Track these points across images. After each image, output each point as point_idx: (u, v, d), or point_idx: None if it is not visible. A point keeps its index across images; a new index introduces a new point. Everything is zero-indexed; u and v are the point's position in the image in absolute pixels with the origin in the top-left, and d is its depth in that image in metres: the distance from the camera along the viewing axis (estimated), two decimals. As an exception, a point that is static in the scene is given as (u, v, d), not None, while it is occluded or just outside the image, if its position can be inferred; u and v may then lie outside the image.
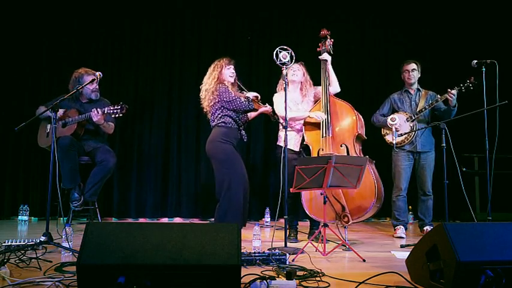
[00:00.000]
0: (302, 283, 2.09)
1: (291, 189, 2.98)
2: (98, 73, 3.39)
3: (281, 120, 3.61)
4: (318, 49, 3.85)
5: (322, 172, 2.86)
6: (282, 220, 3.24)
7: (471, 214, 3.57)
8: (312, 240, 3.13)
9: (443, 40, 5.74)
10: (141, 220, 5.10)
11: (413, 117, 4.07)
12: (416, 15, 5.77)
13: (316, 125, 3.65)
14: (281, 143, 3.74)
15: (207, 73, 3.70)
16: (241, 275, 1.85)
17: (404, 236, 4.00)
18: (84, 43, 5.21)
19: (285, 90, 3.30)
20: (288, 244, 3.20)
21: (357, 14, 5.76)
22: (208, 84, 3.64)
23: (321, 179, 2.90)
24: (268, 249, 2.79)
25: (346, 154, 3.51)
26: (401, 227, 4.06)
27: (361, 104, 4.39)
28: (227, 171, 3.47)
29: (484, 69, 3.48)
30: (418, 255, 2.14)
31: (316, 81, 3.84)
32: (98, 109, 3.82)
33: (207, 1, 5.49)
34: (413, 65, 4.21)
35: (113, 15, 5.28)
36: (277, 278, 2.13)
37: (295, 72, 3.76)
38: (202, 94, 3.67)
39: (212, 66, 3.70)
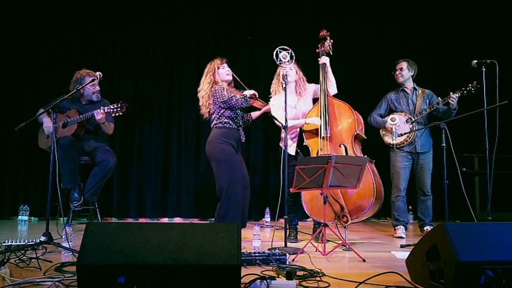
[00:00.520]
0: (302, 283, 2.09)
1: (291, 189, 2.98)
2: (98, 73, 3.39)
3: (279, 123, 3.60)
4: (317, 50, 3.85)
5: (322, 172, 2.86)
6: (282, 220, 3.24)
7: (471, 214, 3.57)
8: (312, 240, 3.13)
9: (443, 40, 5.74)
10: (141, 220, 5.10)
11: (413, 119, 4.08)
12: (417, 15, 5.77)
13: (314, 126, 3.65)
14: (282, 144, 3.75)
15: (202, 77, 3.67)
16: (241, 275, 1.85)
17: (404, 236, 4.00)
18: (84, 43, 5.21)
19: (285, 90, 3.30)
20: (288, 244, 3.20)
21: (357, 13, 5.76)
22: (203, 90, 3.62)
23: (321, 179, 2.90)
24: (268, 249, 2.78)
25: (344, 154, 3.51)
26: (402, 227, 4.06)
27: (361, 104, 4.39)
28: (226, 172, 3.47)
29: (484, 69, 3.48)
30: (418, 255, 2.14)
31: (316, 81, 3.83)
32: (101, 107, 3.84)
33: (207, 1, 5.49)
34: (402, 64, 4.22)
35: (113, 15, 5.28)
36: (277, 278, 2.13)
37: (288, 72, 3.68)
38: (200, 101, 3.66)
39: (205, 70, 3.66)
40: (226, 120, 3.56)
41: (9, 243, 2.83)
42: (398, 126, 4.02)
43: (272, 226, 4.43)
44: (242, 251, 2.37)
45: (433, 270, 2.00)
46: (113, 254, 1.78)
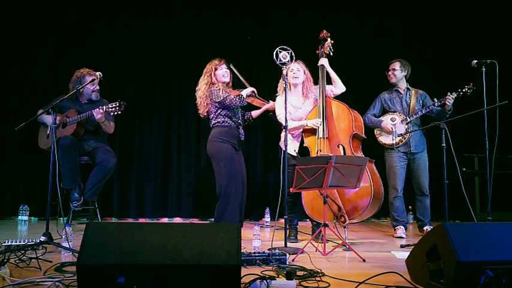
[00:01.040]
0: (302, 283, 2.09)
1: (291, 189, 2.99)
2: (98, 73, 3.40)
3: (280, 123, 3.61)
4: (317, 51, 3.85)
5: (322, 172, 2.87)
6: (282, 220, 3.24)
7: (471, 214, 3.57)
8: (312, 240, 3.14)
9: (443, 40, 5.74)
10: (141, 220, 5.09)
11: (408, 120, 4.08)
12: (417, 15, 5.77)
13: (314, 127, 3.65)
14: (282, 143, 3.76)
15: (200, 78, 3.71)
16: (241, 275, 1.85)
17: (404, 236, 4.00)
18: (84, 43, 5.20)
19: (285, 90, 3.30)
20: (288, 244, 3.20)
21: (357, 13, 5.76)
22: (201, 90, 3.67)
23: (321, 179, 2.90)
24: (268, 249, 2.78)
25: (343, 154, 3.51)
26: (401, 227, 4.06)
27: (361, 104, 4.38)
28: (225, 170, 3.50)
29: (484, 69, 3.48)
30: (418, 255, 2.14)
31: (316, 81, 3.83)
32: (100, 107, 3.84)
33: (207, 1, 5.49)
34: (394, 65, 4.23)
35: (113, 15, 5.27)
36: (277, 278, 2.13)
37: (296, 74, 3.72)
38: (197, 101, 3.70)
39: (204, 70, 3.70)
40: (224, 119, 3.60)
41: (9, 243, 2.83)
42: (397, 127, 4.03)
43: (272, 226, 4.43)
44: (242, 251, 2.37)
45: (433, 270, 2.00)
46: (113, 254, 1.78)
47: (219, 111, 3.60)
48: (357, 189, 3.05)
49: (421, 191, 4.14)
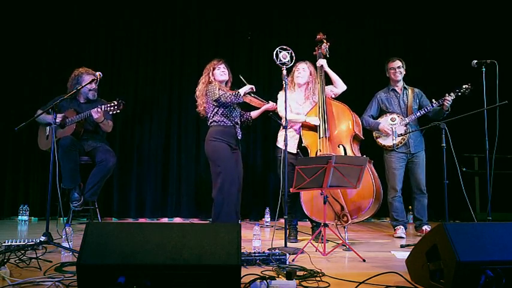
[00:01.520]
0: (302, 283, 2.09)
1: (291, 189, 2.98)
2: (98, 73, 3.39)
3: (281, 121, 3.61)
4: (314, 53, 3.87)
5: (322, 172, 2.86)
6: (282, 220, 3.24)
7: (471, 214, 3.57)
8: (312, 240, 3.13)
9: (443, 40, 5.74)
10: (141, 220, 5.10)
11: (407, 121, 4.09)
12: (417, 15, 5.77)
13: (313, 127, 3.65)
14: (279, 143, 3.76)
15: (200, 78, 3.74)
16: (241, 275, 1.85)
17: (404, 236, 4.00)
18: (84, 43, 5.20)
19: (285, 90, 3.31)
20: (288, 244, 3.20)
21: (357, 13, 5.76)
22: (199, 90, 3.72)
23: (321, 179, 2.90)
24: (268, 249, 2.79)
25: (343, 154, 3.52)
26: (401, 227, 4.06)
27: (361, 104, 4.38)
28: (220, 169, 3.52)
29: (484, 69, 3.49)
30: (418, 255, 2.14)
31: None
32: (98, 106, 3.84)
33: (207, 1, 5.49)
34: (398, 62, 4.22)
35: (113, 15, 5.27)
36: (277, 278, 2.13)
37: (301, 74, 3.75)
38: (196, 100, 3.73)
39: (204, 71, 3.75)
40: (221, 118, 3.62)
41: (9, 243, 2.83)
42: (397, 127, 4.03)
43: (272, 226, 4.43)
44: (242, 251, 2.37)
45: (433, 270, 1.99)
46: (113, 254, 1.78)
47: (216, 110, 3.61)
48: (358, 189, 3.05)
49: (420, 189, 4.14)
